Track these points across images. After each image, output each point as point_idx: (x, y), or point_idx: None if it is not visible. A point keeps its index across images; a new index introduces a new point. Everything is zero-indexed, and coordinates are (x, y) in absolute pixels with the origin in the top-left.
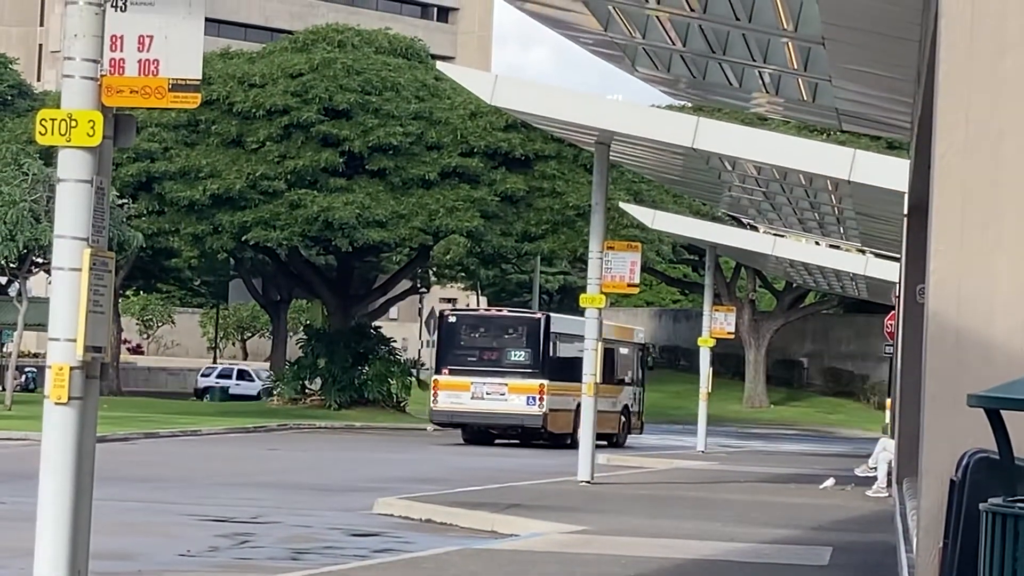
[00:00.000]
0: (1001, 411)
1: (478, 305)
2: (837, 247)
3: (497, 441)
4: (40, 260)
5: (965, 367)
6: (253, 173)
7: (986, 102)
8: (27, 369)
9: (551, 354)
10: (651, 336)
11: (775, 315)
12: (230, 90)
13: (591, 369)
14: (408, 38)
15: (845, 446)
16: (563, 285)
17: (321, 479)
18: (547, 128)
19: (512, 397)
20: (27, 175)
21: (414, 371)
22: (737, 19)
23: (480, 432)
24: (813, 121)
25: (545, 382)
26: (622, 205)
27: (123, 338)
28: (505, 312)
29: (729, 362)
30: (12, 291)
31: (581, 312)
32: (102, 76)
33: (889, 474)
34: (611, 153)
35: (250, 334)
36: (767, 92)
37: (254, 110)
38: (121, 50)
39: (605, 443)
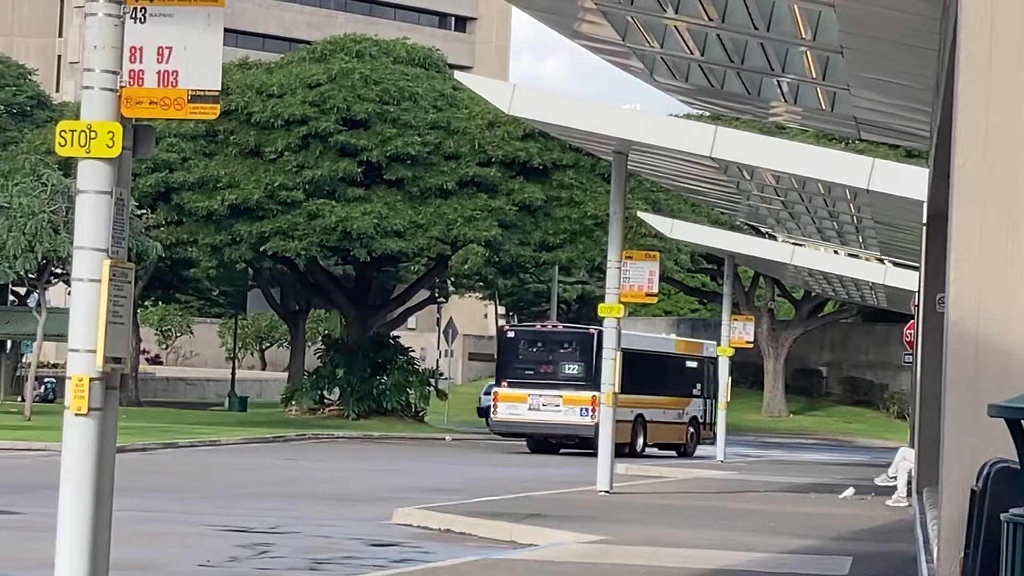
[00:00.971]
0: (1022, 421)
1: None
2: (856, 256)
3: (562, 451)
4: (59, 271)
5: (985, 377)
6: (271, 183)
7: (1006, 113)
8: (46, 379)
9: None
10: None
11: (794, 324)
12: (248, 100)
13: (609, 379)
14: (426, 48)
15: (864, 455)
16: (581, 295)
17: (340, 489)
18: (565, 138)
19: (566, 408)
20: (46, 186)
21: (432, 381)
22: (755, 28)
23: (543, 441)
24: (831, 130)
25: (597, 394)
26: (640, 214)
27: (142, 348)
28: (560, 327)
29: (748, 371)
30: (31, 302)
31: (599, 321)
32: (121, 87)
33: (909, 483)
34: (629, 162)
35: (268, 344)
36: (785, 101)
37: (272, 120)
38: (140, 61)
39: (674, 453)
